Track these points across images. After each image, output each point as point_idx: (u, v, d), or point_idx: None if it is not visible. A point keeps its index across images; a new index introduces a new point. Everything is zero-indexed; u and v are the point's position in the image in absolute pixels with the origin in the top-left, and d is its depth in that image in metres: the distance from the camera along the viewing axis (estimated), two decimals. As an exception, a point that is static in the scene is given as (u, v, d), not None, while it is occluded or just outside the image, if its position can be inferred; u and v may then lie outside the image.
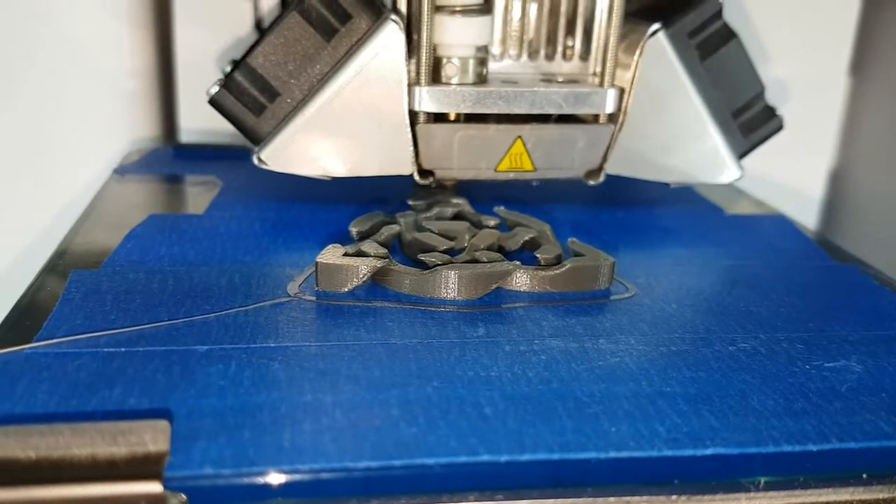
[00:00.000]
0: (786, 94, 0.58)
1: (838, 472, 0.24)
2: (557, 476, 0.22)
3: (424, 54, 0.36)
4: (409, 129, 0.37)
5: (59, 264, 0.33)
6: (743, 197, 0.48)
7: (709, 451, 0.23)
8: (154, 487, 0.20)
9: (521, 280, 0.32)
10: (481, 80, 0.38)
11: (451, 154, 0.38)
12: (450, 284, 0.31)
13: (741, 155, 0.41)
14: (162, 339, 0.27)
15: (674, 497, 0.23)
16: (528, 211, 0.40)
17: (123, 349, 0.26)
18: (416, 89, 0.37)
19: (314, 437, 0.22)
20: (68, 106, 0.53)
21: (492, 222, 0.38)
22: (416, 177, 0.38)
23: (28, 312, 0.29)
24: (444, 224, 0.37)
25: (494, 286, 0.32)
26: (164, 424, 0.22)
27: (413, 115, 0.37)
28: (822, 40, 0.59)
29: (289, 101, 0.37)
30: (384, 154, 0.38)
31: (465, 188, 0.42)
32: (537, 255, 0.34)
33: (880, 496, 0.24)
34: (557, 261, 0.34)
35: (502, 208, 0.40)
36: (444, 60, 0.37)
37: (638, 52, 0.38)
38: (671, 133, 0.40)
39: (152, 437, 0.21)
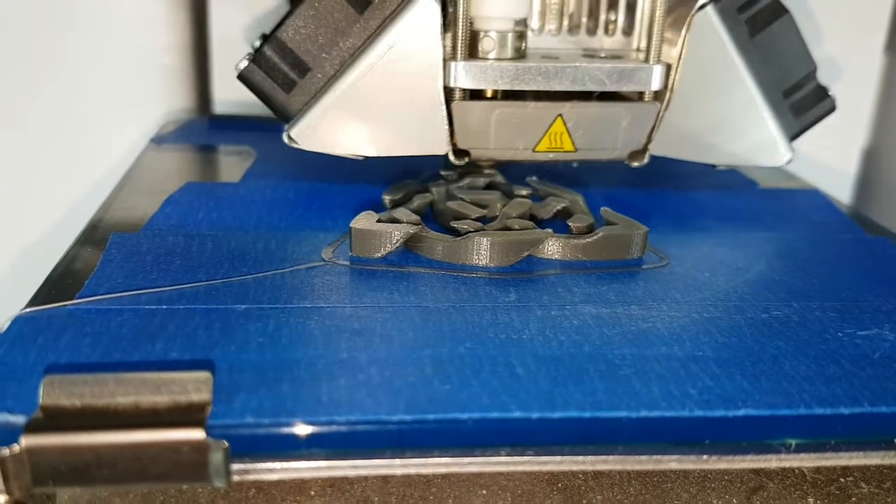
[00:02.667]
0: (821, 72, 0.57)
1: (869, 436, 0.24)
2: (588, 434, 0.23)
3: (461, 28, 0.35)
4: (444, 107, 0.36)
5: (99, 228, 0.34)
6: (776, 171, 0.48)
7: (740, 413, 0.23)
8: (197, 434, 0.21)
9: (553, 248, 0.33)
10: (520, 54, 0.36)
11: (487, 133, 0.37)
12: (482, 251, 0.32)
13: (793, 137, 0.40)
14: (201, 298, 0.28)
15: (704, 457, 0.23)
16: (560, 183, 0.40)
17: (164, 306, 0.27)
18: (452, 64, 0.35)
19: (350, 391, 0.23)
20: (107, 80, 0.54)
21: (524, 192, 0.38)
22: (452, 157, 0.37)
23: (69, 272, 0.30)
24: (477, 193, 0.37)
25: (526, 254, 0.32)
26: (206, 375, 0.22)
27: (448, 92, 0.36)
28: (858, 19, 0.58)
29: (319, 76, 0.36)
30: (418, 133, 0.36)
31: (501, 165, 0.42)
32: (569, 224, 0.34)
33: (911, 461, 0.24)
34: (590, 229, 0.34)
35: (535, 178, 0.40)
36: (482, 34, 0.36)
37: (685, 27, 0.36)
38: (720, 112, 0.38)
39: (195, 387, 0.22)
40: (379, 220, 0.33)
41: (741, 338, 0.27)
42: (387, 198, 0.36)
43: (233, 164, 0.44)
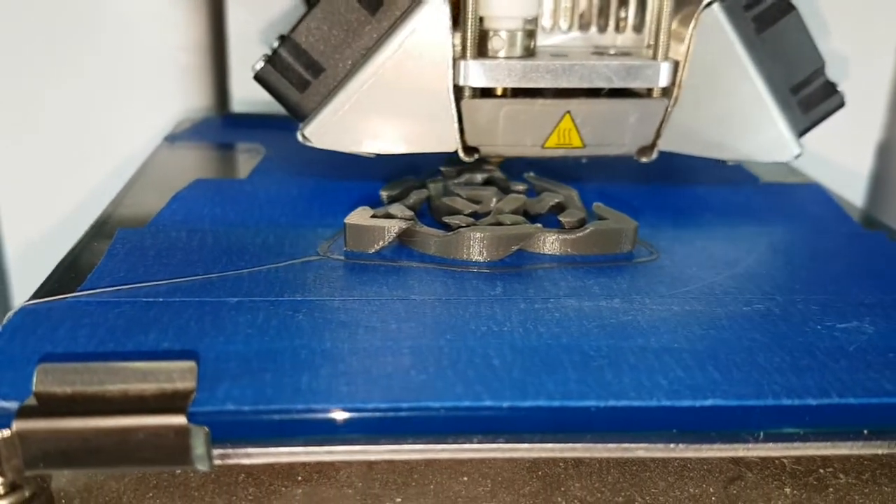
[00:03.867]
0: (834, 68, 0.57)
1: (838, 427, 0.24)
2: (557, 422, 0.23)
3: (470, 27, 0.35)
4: (453, 105, 0.36)
5: (108, 224, 0.35)
6: (780, 166, 0.48)
7: (708, 403, 0.23)
8: (179, 420, 0.22)
9: (544, 242, 0.33)
10: (529, 53, 0.37)
11: (496, 130, 0.37)
12: (473, 245, 0.32)
13: (801, 132, 0.40)
14: (197, 292, 0.29)
15: (672, 446, 0.23)
16: (561, 180, 0.41)
17: (161, 300, 0.28)
18: (462, 63, 0.36)
19: (329, 380, 0.24)
20: (126, 79, 0.56)
21: (520, 188, 0.39)
22: (461, 154, 0.37)
23: (74, 266, 0.31)
24: (473, 189, 0.38)
25: (516, 248, 0.33)
26: (191, 365, 0.23)
27: (458, 90, 0.36)
28: (872, 13, 0.58)
29: (332, 76, 0.37)
30: (428, 130, 0.37)
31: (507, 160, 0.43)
32: (560, 219, 0.35)
33: (880, 451, 0.24)
34: (581, 224, 0.34)
35: (532, 174, 0.41)
36: (491, 33, 0.36)
37: (692, 24, 0.37)
38: (728, 108, 0.38)
39: (180, 376, 0.23)
40: (374, 216, 0.34)
41: (719, 330, 0.27)
42: (384, 193, 0.37)
43: (242, 162, 0.45)
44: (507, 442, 0.23)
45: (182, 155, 0.47)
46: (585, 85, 0.37)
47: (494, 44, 0.36)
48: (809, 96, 0.40)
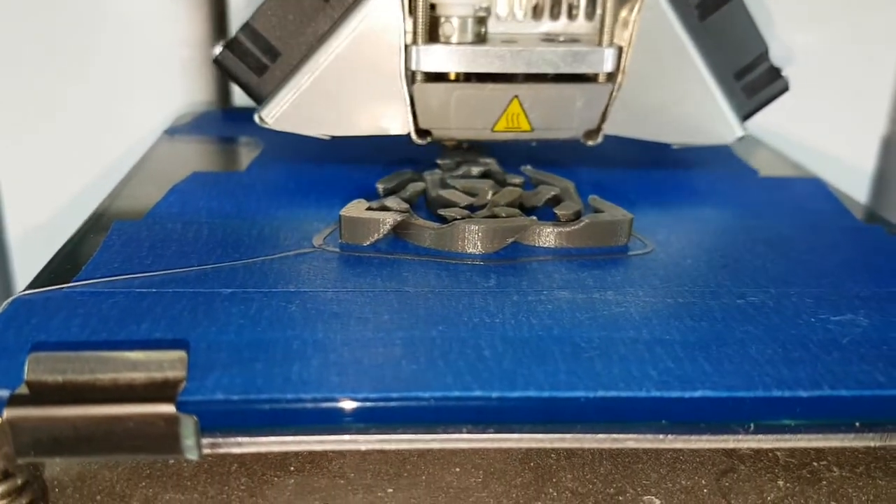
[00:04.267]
0: (839, 64, 0.57)
1: (830, 419, 0.24)
2: (547, 413, 0.23)
3: (421, 13, 0.36)
4: (406, 89, 0.37)
5: (104, 216, 0.35)
6: (782, 160, 0.48)
7: (697, 394, 0.23)
8: (168, 409, 0.22)
9: (539, 235, 0.33)
10: (480, 39, 0.38)
11: (448, 113, 0.38)
12: (467, 238, 0.32)
13: (746, 116, 0.41)
14: (191, 283, 0.29)
15: (661, 437, 0.23)
16: (558, 172, 0.41)
17: (154, 290, 0.28)
18: (414, 48, 0.37)
19: (320, 370, 0.24)
20: (130, 75, 0.56)
21: (517, 180, 0.38)
22: (414, 136, 0.39)
23: (70, 257, 0.31)
24: (469, 182, 0.38)
25: (511, 240, 0.33)
26: (181, 354, 0.23)
27: (411, 75, 0.37)
28: (876, 8, 0.57)
29: (289, 61, 0.38)
30: (381, 113, 0.38)
31: (497, 151, 0.43)
32: (556, 211, 0.35)
33: (871, 444, 0.24)
34: (576, 217, 0.34)
35: (529, 167, 0.41)
36: (443, 19, 0.37)
37: (636, 9, 0.38)
38: (671, 93, 0.40)
39: (171, 366, 0.23)
40: (369, 209, 0.34)
41: (711, 322, 0.27)
42: (380, 186, 0.37)
43: (240, 155, 0.45)
44: (496, 432, 0.23)
45: (181, 148, 0.47)
46: (533, 70, 0.38)
47: (446, 30, 0.37)
48: (753, 81, 0.41)
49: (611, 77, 0.39)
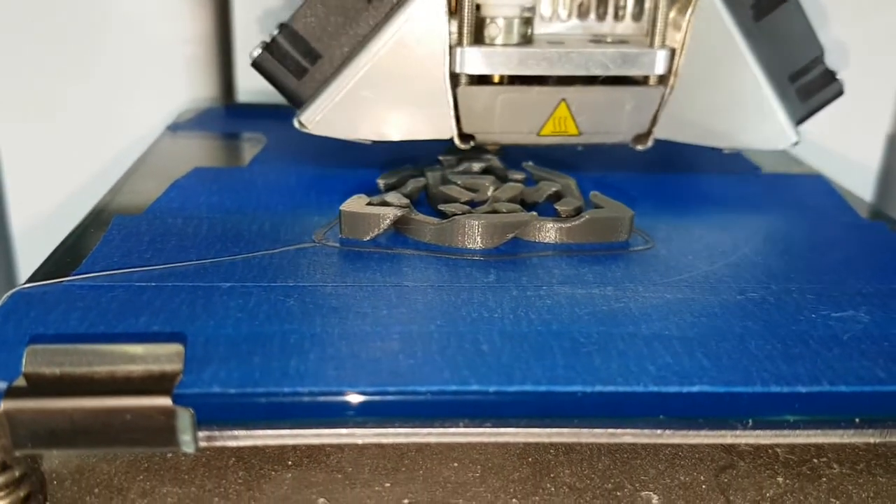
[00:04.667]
0: (843, 60, 0.56)
1: (828, 415, 0.24)
2: (544, 407, 0.23)
3: (467, 14, 0.35)
4: (449, 92, 0.36)
5: (105, 210, 0.35)
6: (784, 157, 0.48)
7: (695, 389, 0.23)
8: (164, 402, 0.22)
9: (539, 231, 0.33)
10: (526, 40, 0.37)
11: (492, 117, 0.37)
12: (467, 233, 0.32)
13: (799, 120, 0.40)
14: (190, 277, 0.29)
15: (658, 431, 0.23)
16: (560, 169, 0.40)
17: (153, 284, 0.28)
18: (458, 50, 0.36)
19: (317, 364, 0.24)
20: (133, 71, 0.56)
21: (518, 176, 0.38)
22: (457, 141, 0.37)
23: (70, 251, 0.31)
24: (470, 178, 0.38)
25: (511, 236, 0.33)
26: (178, 348, 0.23)
27: (454, 78, 0.36)
28: (881, 4, 0.57)
29: (329, 63, 0.37)
30: (425, 117, 0.37)
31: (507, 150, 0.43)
32: (556, 207, 0.35)
33: (871, 440, 0.24)
34: (577, 212, 0.34)
35: (530, 163, 0.41)
36: (488, 20, 0.36)
37: (689, 11, 0.36)
38: (725, 96, 0.38)
39: (168, 359, 0.23)
40: (369, 204, 0.34)
41: (711, 318, 0.27)
42: (381, 182, 0.37)
43: (242, 151, 0.45)
44: (493, 427, 0.23)
45: (183, 144, 0.47)
46: (581, 72, 0.36)
47: (491, 31, 0.36)
48: (808, 84, 0.40)
49: (662, 80, 0.38)
